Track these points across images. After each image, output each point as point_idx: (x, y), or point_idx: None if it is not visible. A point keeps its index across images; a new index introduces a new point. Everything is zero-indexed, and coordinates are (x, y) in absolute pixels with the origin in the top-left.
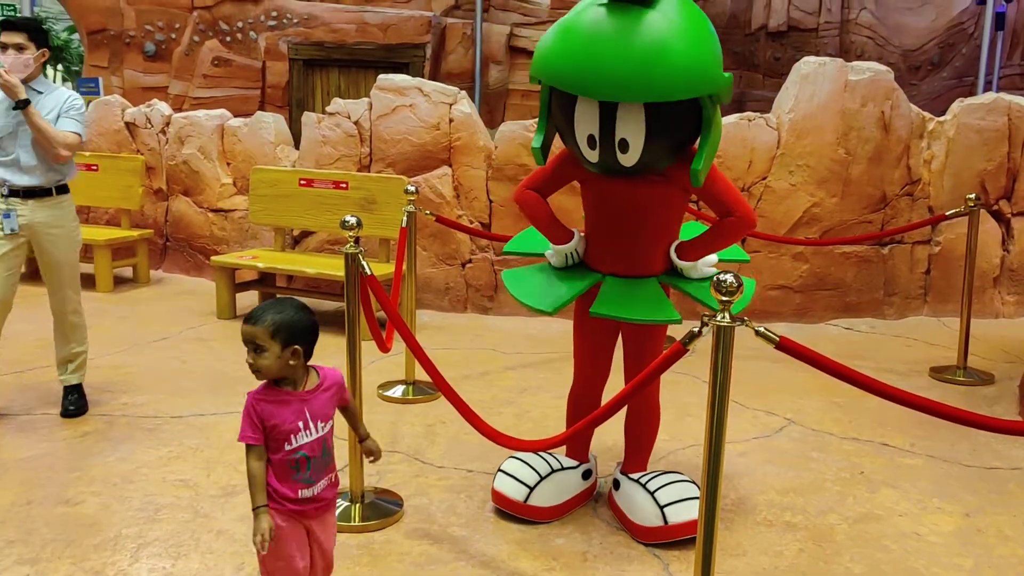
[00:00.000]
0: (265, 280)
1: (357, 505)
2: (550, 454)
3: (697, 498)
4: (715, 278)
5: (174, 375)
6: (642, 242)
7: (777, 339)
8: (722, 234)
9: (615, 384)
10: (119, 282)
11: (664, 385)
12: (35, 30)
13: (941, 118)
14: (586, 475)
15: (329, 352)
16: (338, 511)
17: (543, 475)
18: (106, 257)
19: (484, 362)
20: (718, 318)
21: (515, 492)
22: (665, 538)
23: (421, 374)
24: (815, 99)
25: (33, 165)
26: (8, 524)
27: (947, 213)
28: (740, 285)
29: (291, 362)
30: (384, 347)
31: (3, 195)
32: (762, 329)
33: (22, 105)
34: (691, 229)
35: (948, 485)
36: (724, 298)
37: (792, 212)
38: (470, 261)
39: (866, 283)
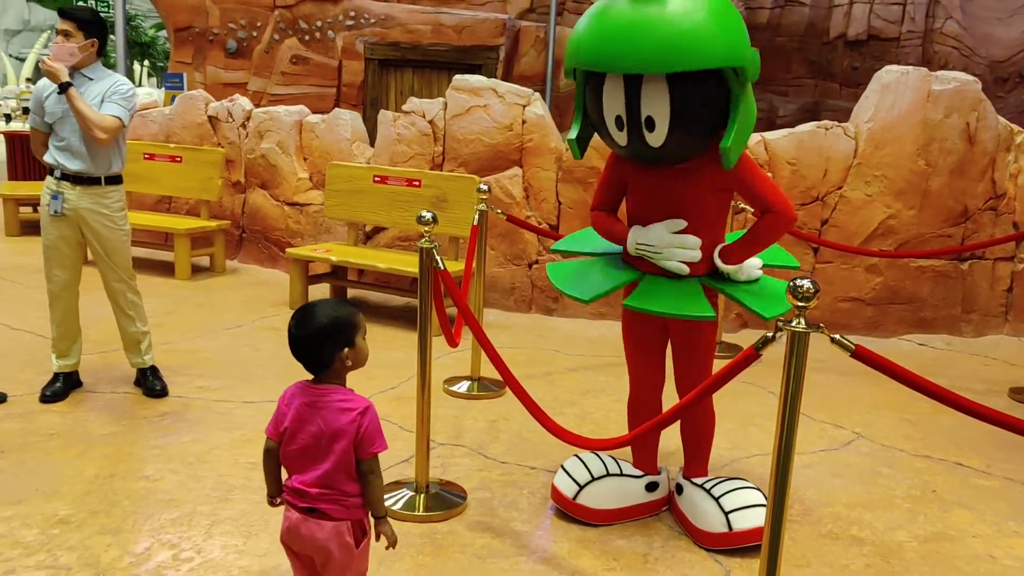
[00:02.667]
0: (337, 273)
1: (422, 495)
2: (614, 458)
3: (762, 505)
4: (791, 283)
5: (247, 362)
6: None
7: (853, 347)
8: (762, 232)
9: (671, 390)
10: (196, 270)
11: (728, 394)
12: (83, 20)
13: None
14: (651, 487)
15: (397, 345)
16: (403, 501)
17: (595, 476)
18: (185, 246)
19: (547, 362)
20: (793, 324)
21: (567, 488)
22: (729, 544)
23: (486, 371)
24: (896, 109)
25: (82, 151)
26: (93, 495)
27: None
28: (817, 291)
29: None
30: (453, 342)
31: (56, 178)
32: (838, 337)
33: (63, 88)
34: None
35: None
36: (800, 304)
37: (867, 223)
38: (536, 262)
39: (943, 299)
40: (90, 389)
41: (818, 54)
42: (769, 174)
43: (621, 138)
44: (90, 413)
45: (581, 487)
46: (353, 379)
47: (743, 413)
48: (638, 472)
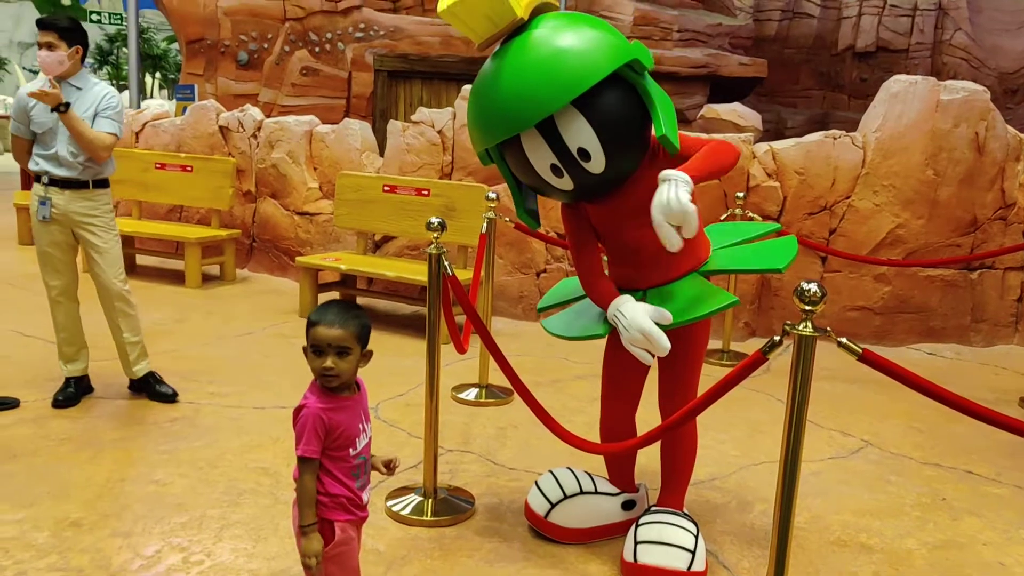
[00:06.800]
0: (346, 282)
1: (430, 500)
2: (590, 475)
3: (683, 548)
4: (798, 287)
5: (257, 368)
6: (660, 247)
7: (860, 351)
8: (712, 151)
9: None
10: (207, 279)
11: (736, 402)
12: (64, 28)
13: None
14: (627, 505)
15: (406, 353)
16: (411, 506)
17: (568, 494)
18: (196, 254)
19: (555, 370)
20: (800, 327)
21: (538, 506)
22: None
23: (494, 378)
24: (904, 118)
25: (69, 160)
26: (104, 498)
27: None
28: (824, 295)
29: (361, 365)
30: (461, 348)
31: (44, 184)
32: (845, 340)
33: (63, 109)
34: (723, 231)
35: None
36: (807, 308)
37: (875, 233)
38: (545, 271)
39: (952, 308)
40: (101, 395)
41: (827, 66)
42: (776, 184)
43: (565, 183)
44: (101, 418)
45: (553, 505)
46: (366, 384)
47: (751, 420)
48: (614, 490)
